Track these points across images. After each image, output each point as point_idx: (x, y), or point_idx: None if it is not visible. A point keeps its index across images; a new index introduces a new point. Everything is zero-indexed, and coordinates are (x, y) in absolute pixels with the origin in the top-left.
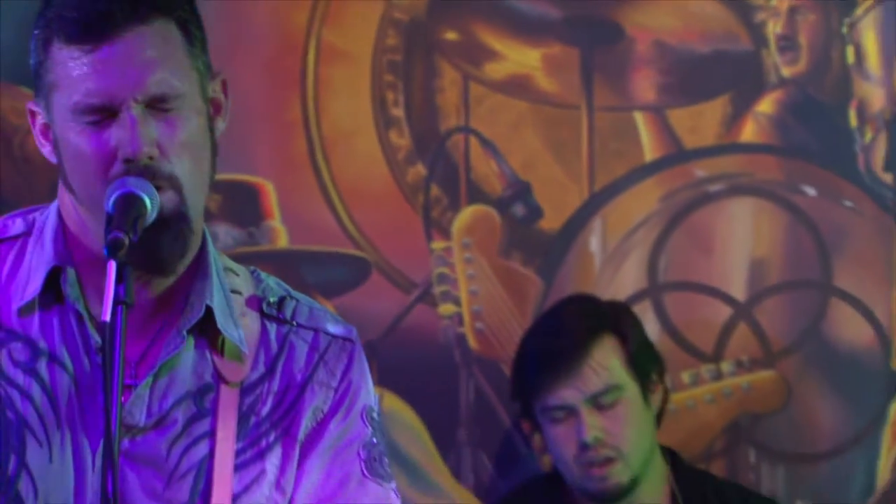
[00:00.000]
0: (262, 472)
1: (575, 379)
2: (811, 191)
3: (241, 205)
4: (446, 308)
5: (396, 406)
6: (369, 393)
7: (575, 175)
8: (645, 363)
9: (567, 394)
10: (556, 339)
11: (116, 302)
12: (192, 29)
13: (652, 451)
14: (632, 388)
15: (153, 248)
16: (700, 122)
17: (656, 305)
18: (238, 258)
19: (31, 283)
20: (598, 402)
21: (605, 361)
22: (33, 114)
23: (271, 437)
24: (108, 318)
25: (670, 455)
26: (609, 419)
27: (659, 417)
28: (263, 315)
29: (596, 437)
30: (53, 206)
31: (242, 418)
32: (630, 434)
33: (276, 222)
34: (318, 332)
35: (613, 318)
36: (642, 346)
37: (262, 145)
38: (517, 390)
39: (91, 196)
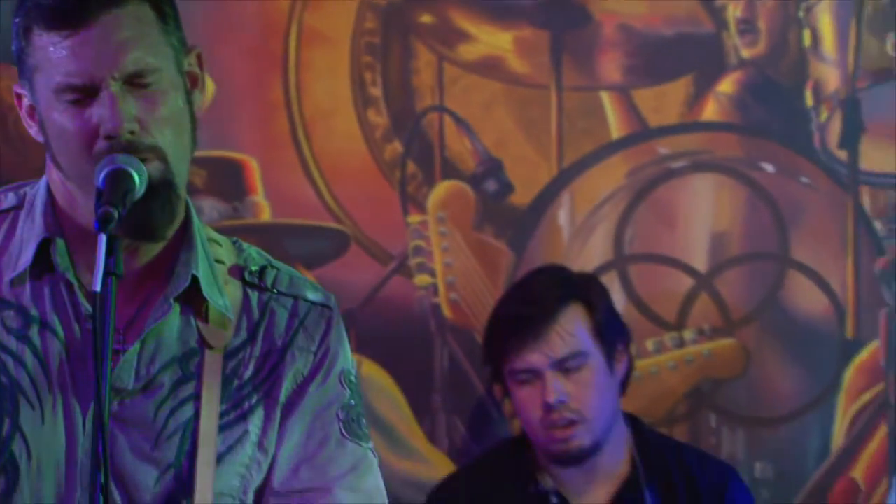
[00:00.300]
0: (245, 432)
1: (542, 344)
2: (769, 167)
3: (225, 180)
4: (422, 279)
5: (374, 373)
6: (347, 357)
7: (544, 152)
8: (611, 332)
9: (534, 358)
10: (526, 306)
11: (107, 273)
12: (164, 8)
13: (615, 416)
14: (597, 356)
15: (144, 216)
16: (664, 101)
17: (622, 276)
18: (223, 231)
19: (23, 254)
20: (564, 367)
21: (572, 328)
22: (19, 96)
23: (253, 400)
24: (98, 288)
25: (632, 420)
26: (573, 383)
27: (624, 385)
28: (245, 283)
29: (559, 399)
30: (43, 181)
31: (226, 382)
32: (593, 399)
33: (259, 197)
34: (298, 300)
35: (582, 288)
36: (609, 315)
37: (246, 124)
38: (488, 355)
39: (77, 171)
